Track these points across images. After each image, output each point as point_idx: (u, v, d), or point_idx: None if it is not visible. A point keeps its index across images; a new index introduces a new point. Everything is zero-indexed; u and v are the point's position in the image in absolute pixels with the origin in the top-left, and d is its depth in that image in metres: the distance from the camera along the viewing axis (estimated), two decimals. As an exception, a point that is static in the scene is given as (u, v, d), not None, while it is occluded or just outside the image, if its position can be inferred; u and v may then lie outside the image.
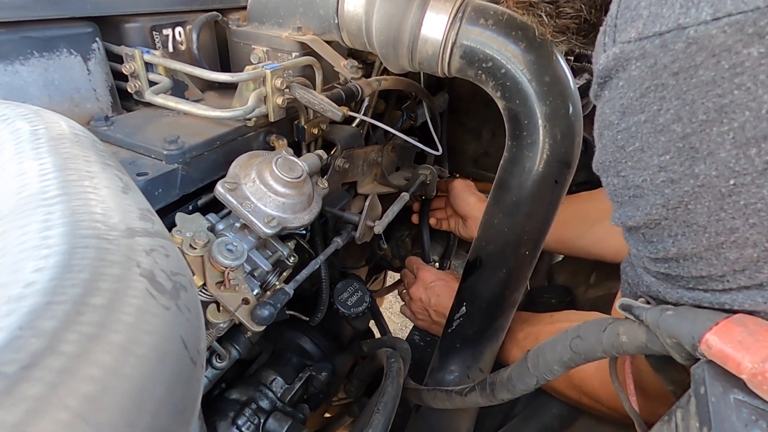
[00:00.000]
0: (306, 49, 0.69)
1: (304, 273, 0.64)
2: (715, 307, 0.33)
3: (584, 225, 0.90)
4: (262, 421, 0.72)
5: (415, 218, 1.17)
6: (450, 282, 0.95)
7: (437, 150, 0.99)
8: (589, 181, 1.00)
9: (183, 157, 0.54)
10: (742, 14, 0.24)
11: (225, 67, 0.78)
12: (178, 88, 0.67)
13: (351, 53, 0.78)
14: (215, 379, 0.67)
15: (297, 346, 0.84)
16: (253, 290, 0.58)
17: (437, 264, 1.23)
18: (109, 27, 0.63)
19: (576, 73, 0.60)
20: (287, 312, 0.74)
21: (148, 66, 0.63)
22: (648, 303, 0.39)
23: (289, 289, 0.60)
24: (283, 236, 0.65)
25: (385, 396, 0.66)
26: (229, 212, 0.57)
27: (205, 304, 0.55)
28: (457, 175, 1.30)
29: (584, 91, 0.58)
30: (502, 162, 0.66)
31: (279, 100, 0.61)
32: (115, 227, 0.25)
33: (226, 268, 0.52)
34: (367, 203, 0.74)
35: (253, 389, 0.76)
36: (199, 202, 0.59)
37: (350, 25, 0.65)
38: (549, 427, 0.75)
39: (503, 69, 0.57)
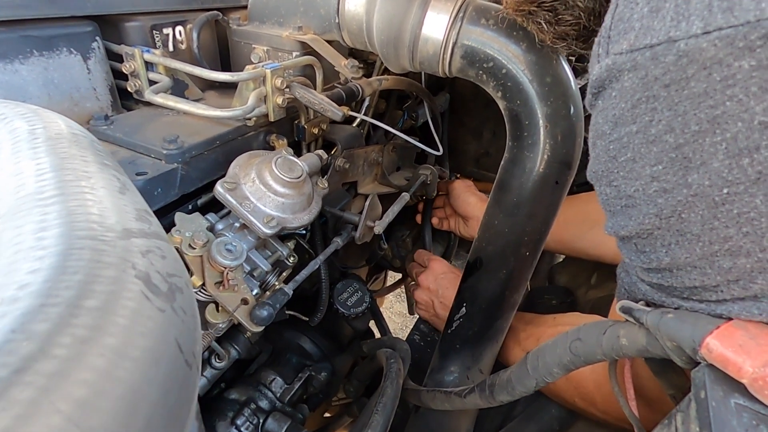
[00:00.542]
0: (306, 49, 0.69)
1: (304, 273, 0.64)
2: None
3: (585, 226, 0.90)
4: (261, 421, 0.71)
5: (419, 218, 1.17)
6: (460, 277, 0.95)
7: (438, 150, 0.99)
8: (589, 182, 1.00)
9: (182, 156, 0.54)
10: (732, 28, 0.25)
11: (225, 67, 0.78)
12: (178, 88, 0.67)
13: (352, 53, 0.77)
14: (214, 379, 0.67)
15: (296, 346, 0.84)
16: (252, 290, 0.58)
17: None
18: (109, 26, 0.63)
19: (578, 73, 0.60)
20: (287, 312, 0.74)
21: (148, 65, 0.63)
22: (648, 306, 0.39)
23: (289, 289, 0.60)
24: (283, 236, 0.65)
25: (384, 396, 0.66)
26: (229, 212, 0.57)
27: (204, 304, 0.54)
28: (458, 175, 1.30)
29: (586, 91, 0.57)
30: (502, 162, 0.65)
31: (279, 100, 0.61)
32: (111, 228, 0.25)
33: (225, 268, 0.51)
34: (367, 203, 0.74)
35: (252, 389, 0.76)
36: (199, 202, 0.59)
37: (351, 24, 0.65)
38: (548, 429, 0.75)
39: (504, 69, 0.57)
